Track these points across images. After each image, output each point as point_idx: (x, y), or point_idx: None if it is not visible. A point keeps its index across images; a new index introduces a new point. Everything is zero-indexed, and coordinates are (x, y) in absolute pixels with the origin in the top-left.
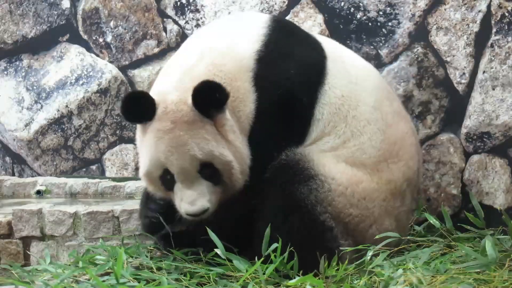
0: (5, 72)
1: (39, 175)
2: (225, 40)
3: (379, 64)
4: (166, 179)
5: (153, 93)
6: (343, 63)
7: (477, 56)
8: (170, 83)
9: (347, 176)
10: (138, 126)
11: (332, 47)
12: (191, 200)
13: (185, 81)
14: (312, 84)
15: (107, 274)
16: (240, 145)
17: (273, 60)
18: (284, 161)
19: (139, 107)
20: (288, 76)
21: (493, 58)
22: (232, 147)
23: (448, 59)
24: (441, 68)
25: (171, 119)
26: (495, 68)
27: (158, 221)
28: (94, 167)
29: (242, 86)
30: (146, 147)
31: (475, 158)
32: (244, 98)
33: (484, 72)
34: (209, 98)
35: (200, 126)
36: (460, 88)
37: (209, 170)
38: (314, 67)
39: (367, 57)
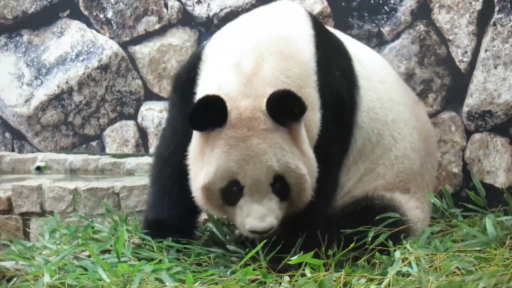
0: (5, 48)
1: (39, 151)
2: (281, 38)
3: (381, 42)
4: (231, 191)
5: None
6: (364, 62)
7: (479, 34)
8: (234, 88)
9: (414, 213)
10: (197, 135)
11: (350, 45)
12: (260, 215)
13: (253, 87)
14: (351, 87)
15: (108, 251)
16: (312, 157)
17: (324, 62)
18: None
19: (208, 114)
20: (337, 77)
21: (495, 37)
22: (306, 159)
23: (451, 37)
24: (443, 46)
25: (247, 126)
26: (497, 46)
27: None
28: (94, 143)
29: (309, 93)
30: (212, 156)
31: (476, 136)
32: (312, 106)
33: (486, 50)
34: (286, 109)
35: (278, 135)
36: (462, 66)
37: (280, 184)
38: (347, 69)
39: (369, 35)
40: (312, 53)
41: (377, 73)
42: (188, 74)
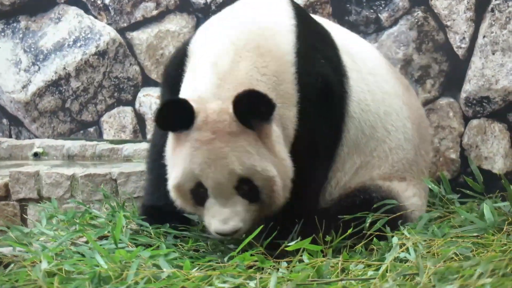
0: (2, 34)
1: (36, 137)
2: (259, 33)
3: (379, 28)
4: (198, 193)
5: (188, 99)
6: (352, 54)
7: (477, 20)
8: (207, 89)
9: (412, 201)
10: (171, 135)
11: (338, 36)
12: (223, 218)
13: (226, 87)
14: (339, 76)
15: (105, 237)
16: (285, 158)
17: (307, 52)
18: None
19: (177, 115)
20: (322, 65)
21: (493, 23)
22: (277, 161)
23: (448, 23)
24: (441, 33)
25: (211, 129)
26: (495, 32)
27: None
28: (91, 129)
29: (285, 89)
30: (180, 157)
31: (474, 122)
32: (288, 102)
33: (484, 36)
34: (253, 109)
35: (243, 138)
36: (460, 52)
37: (246, 187)
38: (334, 59)
39: (367, 21)
40: (292, 45)
41: (367, 64)
42: (175, 71)
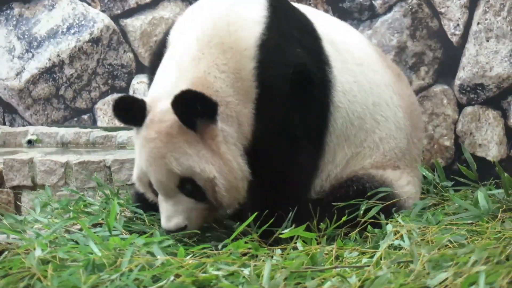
0: None
1: (30, 124)
2: (223, 28)
3: (373, 15)
4: (153, 188)
5: (149, 95)
6: (337, 44)
7: (471, 7)
8: (164, 87)
9: (406, 190)
10: (134, 128)
11: (322, 26)
12: (166, 215)
13: (179, 86)
14: (320, 64)
15: (99, 225)
16: (231, 158)
17: (277, 42)
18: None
19: (130, 112)
20: (297, 54)
21: (487, 10)
22: (220, 162)
23: (443, 10)
24: (435, 19)
25: (155, 129)
26: (489, 19)
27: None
28: (85, 116)
29: (242, 86)
30: (136, 152)
31: (468, 109)
32: (245, 99)
33: (478, 23)
34: (191, 109)
35: (183, 139)
36: (454, 39)
37: (190, 186)
38: (314, 47)
39: (361, 8)
40: (255, 38)
41: (354, 55)
42: (156, 61)
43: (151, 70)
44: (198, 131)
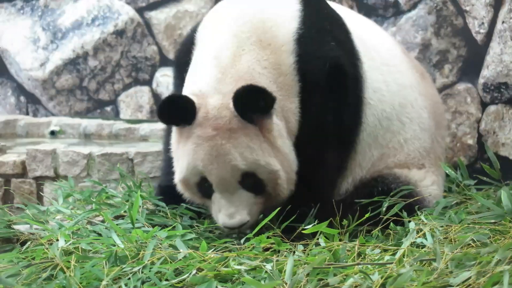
0: (21, 11)
1: (53, 115)
2: (259, 25)
3: (397, 11)
4: (204, 187)
5: (189, 93)
6: (366, 42)
7: (496, 6)
8: (208, 83)
9: (430, 190)
10: (175, 129)
11: (352, 24)
12: (229, 213)
13: (227, 81)
14: (352, 58)
15: (121, 217)
16: (288, 151)
17: (312, 36)
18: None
19: (178, 111)
20: (332, 48)
21: None
22: (279, 154)
23: (467, 8)
24: (460, 17)
25: (212, 126)
26: None
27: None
28: (108, 108)
29: (284, 81)
30: (184, 152)
31: (491, 108)
32: (288, 94)
33: (503, 22)
34: (252, 104)
35: (244, 133)
36: (478, 38)
37: (251, 180)
38: (346, 41)
39: (386, 5)
40: (292, 33)
41: (381, 54)
42: (184, 58)
43: (178, 67)
44: (256, 125)
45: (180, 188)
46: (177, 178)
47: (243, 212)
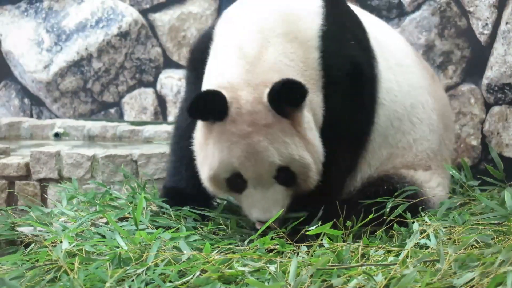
0: (25, 13)
1: (57, 117)
2: (284, 18)
3: (401, 13)
4: (236, 182)
5: (216, 85)
6: (380, 42)
7: (500, 6)
8: (237, 75)
9: (436, 192)
10: (202, 124)
11: (367, 23)
12: (264, 207)
13: (256, 73)
14: (368, 57)
15: (125, 219)
16: (317, 144)
17: (334, 33)
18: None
19: (209, 105)
20: (351, 46)
21: None
22: (310, 147)
23: (471, 9)
24: (463, 18)
25: (247, 122)
26: None
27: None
28: (112, 110)
29: (311, 75)
30: (216, 148)
31: (495, 109)
32: (315, 88)
33: (507, 23)
34: (288, 98)
35: (279, 128)
36: (482, 38)
37: (284, 174)
38: (363, 39)
39: (389, 6)
40: (316, 29)
41: (395, 55)
42: (201, 54)
43: (193, 64)
44: (289, 118)
45: (207, 184)
46: (207, 175)
47: (277, 206)
